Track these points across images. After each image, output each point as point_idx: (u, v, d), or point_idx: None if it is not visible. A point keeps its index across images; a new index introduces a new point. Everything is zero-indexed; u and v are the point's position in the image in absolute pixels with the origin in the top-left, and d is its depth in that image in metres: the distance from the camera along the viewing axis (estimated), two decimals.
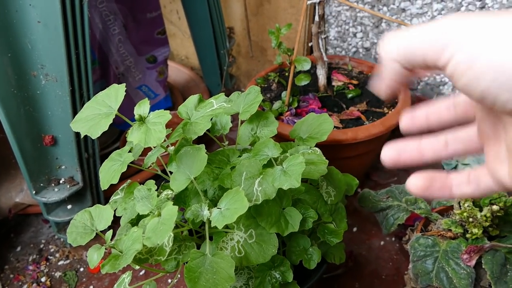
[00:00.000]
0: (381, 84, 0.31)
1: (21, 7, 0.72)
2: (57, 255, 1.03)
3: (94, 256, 0.51)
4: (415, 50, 0.26)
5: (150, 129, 0.51)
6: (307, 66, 0.95)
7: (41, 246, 1.05)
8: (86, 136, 0.89)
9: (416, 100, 1.21)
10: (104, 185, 0.58)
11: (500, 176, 0.29)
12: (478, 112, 0.31)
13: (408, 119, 0.36)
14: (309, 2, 0.95)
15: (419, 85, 1.20)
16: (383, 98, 0.32)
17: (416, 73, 0.29)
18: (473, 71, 0.24)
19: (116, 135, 1.24)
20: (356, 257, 0.95)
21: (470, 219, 0.67)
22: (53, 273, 0.98)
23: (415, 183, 0.32)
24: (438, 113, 0.35)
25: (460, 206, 0.70)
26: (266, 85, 1.10)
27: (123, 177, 0.62)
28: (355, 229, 1.01)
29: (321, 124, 0.71)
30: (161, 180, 0.67)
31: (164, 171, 0.66)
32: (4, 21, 0.73)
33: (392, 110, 0.97)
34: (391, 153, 0.34)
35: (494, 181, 0.30)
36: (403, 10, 1.11)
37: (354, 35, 1.26)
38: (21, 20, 0.74)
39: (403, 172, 1.16)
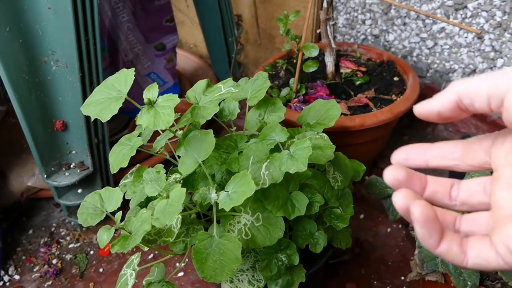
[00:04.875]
0: (428, 103, 0.31)
1: None
2: (68, 238, 1.05)
3: (104, 236, 0.52)
4: (481, 82, 0.28)
5: (159, 113, 0.51)
6: (315, 53, 0.95)
7: (52, 229, 1.08)
8: (95, 122, 0.91)
9: (425, 87, 1.20)
10: (113, 169, 0.59)
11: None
12: (501, 187, 0.30)
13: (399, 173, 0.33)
14: None
15: (428, 72, 1.19)
16: (418, 113, 0.32)
17: (463, 114, 0.31)
18: None
19: (125, 122, 1.25)
20: (363, 243, 0.95)
21: None
22: (64, 255, 1.01)
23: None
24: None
25: None
26: (274, 72, 1.10)
27: (132, 162, 0.63)
28: (362, 216, 1.02)
29: (329, 110, 0.71)
30: (169, 165, 0.68)
31: (173, 157, 0.67)
32: (16, 8, 0.74)
33: (400, 97, 0.96)
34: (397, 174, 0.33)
35: (500, 249, 0.28)
36: None
37: (363, 22, 1.25)
38: (32, 7, 0.75)
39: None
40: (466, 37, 1.06)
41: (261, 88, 0.68)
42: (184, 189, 0.50)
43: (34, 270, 0.98)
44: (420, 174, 0.34)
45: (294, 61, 1.12)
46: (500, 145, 0.31)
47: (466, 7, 1.03)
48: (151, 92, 0.53)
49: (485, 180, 0.33)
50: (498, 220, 0.29)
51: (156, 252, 0.96)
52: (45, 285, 0.94)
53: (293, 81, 1.01)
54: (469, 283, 0.63)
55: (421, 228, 0.29)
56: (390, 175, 0.32)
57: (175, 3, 1.58)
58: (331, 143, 0.63)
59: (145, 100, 0.53)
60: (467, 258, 0.29)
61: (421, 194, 0.34)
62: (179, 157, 0.61)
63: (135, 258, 0.57)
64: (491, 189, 0.31)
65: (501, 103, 0.28)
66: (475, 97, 0.29)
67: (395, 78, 1.05)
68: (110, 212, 0.56)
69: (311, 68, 0.99)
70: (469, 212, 0.33)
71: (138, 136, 0.62)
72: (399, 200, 0.30)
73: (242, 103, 0.70)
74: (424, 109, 0.32)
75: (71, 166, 0.94)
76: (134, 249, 0.93)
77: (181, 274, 0.93)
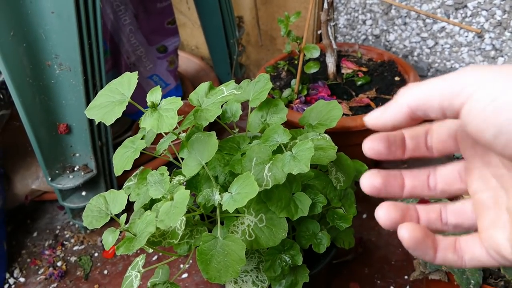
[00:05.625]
0: (381, 116, 0.30)
1: None
2: (72, 240, 1.05)
3: (109, 238, 0.53)
4: (432, 93, 0.27)
5: (162, 115, 0.52)
6: (316, 54, 0.95)
7: (57, 231, 1.08)
8: (99, 125, 0.91)
9: None
10: (117, 171, 0.60)
11: (498, 243, 0.28)
12: (475, 179, 0.31)
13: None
14: None
15: (429, 71, 1.19)
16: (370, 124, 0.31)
17: (415, 122, 0.29)
18: (493, 106, 0.24)
19: (128, 124, 1.26)
20: (366, 243, 0.96)
21: None
22: (68, 257, 1.01)
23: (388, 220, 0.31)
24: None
25: None
26: (275, 74, 1.11)
27: (136, 165, 0.63)
28: (364, 215, 1.02)
29: (330, 111, 0.71)
30: (173, 167, 0.69)
31: (176, 158, 0.67)
32: (19, 12, 0.74)
33: None
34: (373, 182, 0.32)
35: (489, 251, 0.29)
36: None
37: (364, 22, 1.26)
38: (36, 11, 0.75)
39: (414, 159, 1.17)
40: (466, 36, 1.07)
41: (263, 90, 0.68)
42: (188, 191, 0.51)
43: (39, 272, 0.98)
44: (395, 173, 0.33)
45: (296, 62, 1.12)
46: (467, 136, 0.31)
47: (466, 6, 1.03)
48: (154, 95, 0.54)
49: (459, 167, 0.33)
50: (482, 223, 0.30)
51: (161, 253, 0.97)
52: None
53: (294, 82, 1.01)
54: (472, 281, 0.63)
55: (414, 251, 0.29)
56: (366, 182, 0.32)
57: (177, 5, 1.58)
58: (333, 144, 0.64)
59: (149, 103, 0.53)
60: (464, 261, 0.30)
61: (400, 193, 0.34)
62: (182, 158, 0.61)
63: (140, 260, 0.57)
64: (466, 179, 0.31)
65: (457, 114, 0.26)
66: (428, 109, 0.27)
67: (396, 78, 1.05)
68: (115, 215, 0.57)
69: (313, 69, 0.99)
70: (451, 199, 0.34)
71: (142, 138, 0.63)
72: (381, 216, 0.31)
73: (244, 105, 0.71)
74: (377, 122, 0.30)
75: (75, 168, 0.95)
76: (139, 251, 0.93)
77: (185, 275, 0.94)
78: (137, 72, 0.54)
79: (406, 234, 0.29)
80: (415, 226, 0.29)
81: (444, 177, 0.33)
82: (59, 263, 1.00)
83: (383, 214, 0.31)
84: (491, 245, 0.28)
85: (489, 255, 0.29)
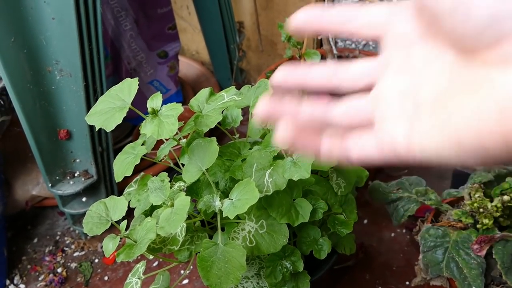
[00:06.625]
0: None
1: (36, 4, 0.74)
2: (73, 246, 1.05)
3: (109, 245, 0.53)
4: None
5: (163, 122, 0.52)
6: (316, 59, 0.95)
7: (57, 237, 1.08)
8: (99, 130, 0.91)
9: None
10: (118, 177, 0.60)
11: (395, 137, 0.25)
12: (388, 73, 0.28)
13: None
14: None
15: None
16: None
17: None
18: None
19: (128, 129, 1.26)
20: (367, 249, 0.95)
21: (481, 210, 0.67)
22: (69, 264, 1.01)
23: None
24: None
25: (470, 197, 0.70)
26: None
27: (136, 170, 0.63)
28: (365, 221, 1.02)
29: None
30: (173, 173, 0.69)
31: (176, 164, 0.67)
32: (20, 19, 0.75)
33: None
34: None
35: (381, 145, 0.26)
36: None
37: None
38: (36, 17, 0.75)
39: (410, 166, 1.16)
40: None
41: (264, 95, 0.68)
42: (189, 198, 0.51)
43: (39, 279, 0.98)
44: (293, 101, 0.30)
45: None
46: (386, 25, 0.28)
47: None
48: (154, 101, 0.54)
49: (370, 64, 0.29)
50: (381, 115, 0.27)
51: (161, 259, 0.97)
52: None
53: None
54: (473, 287, 0.63)
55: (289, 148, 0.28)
56: (259, 113, 0.30)
57: (177, 10, 1.59)
58: None
59: (149, 110, 0.53)
60: (351, 155, 0.28)
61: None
62: (183, 164, 0.61)
63: (140, 267, 0.57)
64: (377, 74, 0.28)
65: None
66: None
67: None
68: (115, 221, 0.57)
69: None
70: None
71: (142, 144, 0.63)
72: (260, 109, 0.29)
73: (245, 110, 0.71)
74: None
75: (76, 174, 0.94)
76: (139, 257, 0.93)
77: (186, 281, 0.93)
78: (137, 78, 0.54)
79: (282, 132, 0.28)
80: (287, 126, 0.28)
81: (350, 74, 0.30)
82: (59, 270, 0.99)
83: (259, 110, 0.30)
84: (384, 139, 0.26)
85: (380, 149, 0.27)
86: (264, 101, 0.30)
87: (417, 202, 0.78)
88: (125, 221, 0.55)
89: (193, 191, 0.64)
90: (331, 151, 0.29)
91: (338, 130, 0.29)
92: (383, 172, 1.14)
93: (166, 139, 0.66)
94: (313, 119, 0.30)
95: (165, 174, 0.61)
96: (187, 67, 1.58)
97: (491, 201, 0.67)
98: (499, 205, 0.66)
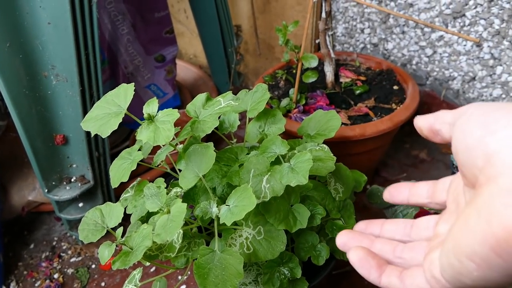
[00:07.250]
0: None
1: (32, 9, 0.73)
2: (69, 252, 1.04)
3: (105, 253, 0.52)
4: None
5: (159, 128, 0.51)
6: (314, 63, 0.95)
7: (54, 243, 1.07)
8: (96, 135, 0.91)
9: (425, 95, 1.20)
10: (114, 183, 0.59)
11: (432, 264, 0.29)
12: (443, 219, 0.34)
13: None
14: None
15: (428, 80, 1.19)
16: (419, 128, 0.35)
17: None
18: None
19: (125, 134, 1.26)
20: None
21: None
22: (65, 269, 1.00)
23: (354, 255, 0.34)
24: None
25: None
26: (273, 83, 1.10)
27: (133, 175, 0.62)
28: None
29: (329, 121, 0.71)
30: (170, 178, 0.68)
31: (173, 169, 0.67)
32: (16, 23, 0.74)
33: (400, 106, 0.96)
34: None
35: (426, 275, 0.30)
36: (411, 5, 1.11)
37: (362, 31, 1.26)
38: (32, 22, 0.75)
39: (412, 168, 1.16)
40: (465, 45, 1.07)
41: (261, 100, 0.68)
42: (185, 205, 0.50)
43: (36, 285, 0.97)
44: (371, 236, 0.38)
45: (294, 71, 1.12)
46: (451, 185, 0.35)
47: (464, 15, 1.03)
48: (150, 107, 0.53)
49: (433, 219, 0.36)
50: (430, 248, 0.32)
51: (158, 266, 0.96)
52: None
53: (293, 92, 1.01)
54: None
55: (357, 268, 0.33)
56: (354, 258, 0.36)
57: (175, 14, 1.58)
58: (332, 155, 0.63)
59: (145, 115, 0.53)
60: (406, 286, 0.32)
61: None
62: (179, 170, 0.61)
63: (137, 273, 0.56)
64: (438, 222, 0.34)
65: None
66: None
67: (395, 87, 1.05)
68: (111, 228, 0.56)
69: (311, 78, 0.99)
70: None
71: (139, 149, 0.62)
72: (353, 257, 0.35)
73: (243, 114, 0.70)
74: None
75: (72, 180, 0.94)
76: (136, 263, 0.92)
77: (183, 287, 0.93)
78: (133, 83, 0.54)
79: (353, 253, 0.34)
80: (361, 247, 0.34)
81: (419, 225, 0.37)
82: (56, 275, 0.99)
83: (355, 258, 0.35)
84: (428, 268, 0.30)
85: (427, 281, 0.30)
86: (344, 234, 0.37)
87: (415, 207, 0.78)
88: (121, 228, 0.55)
89: (190, 197, 0.63)
90: (390, 281, 0.33)
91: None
92: (382, 176, 1.14)
93: (163, 145, 0.66)
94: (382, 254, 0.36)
95: (162, 180, 0.60)
96: (184, 70, 1.57)
97: None
98: None
